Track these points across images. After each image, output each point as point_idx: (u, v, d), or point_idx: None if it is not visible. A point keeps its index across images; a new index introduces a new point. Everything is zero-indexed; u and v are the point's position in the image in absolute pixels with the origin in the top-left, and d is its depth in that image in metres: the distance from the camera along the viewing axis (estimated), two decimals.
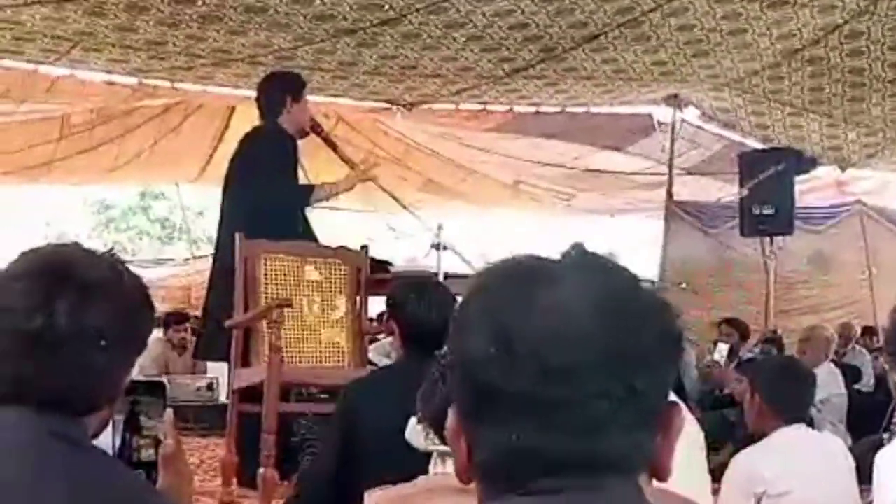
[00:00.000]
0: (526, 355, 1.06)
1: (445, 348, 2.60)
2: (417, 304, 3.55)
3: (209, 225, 20.61)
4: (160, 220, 23.59)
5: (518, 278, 1.12)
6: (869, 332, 10.54)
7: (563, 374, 1.05)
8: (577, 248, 1.15)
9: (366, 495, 2.53)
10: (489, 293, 1.12)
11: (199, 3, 6.90)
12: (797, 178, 9.36)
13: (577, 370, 1.06)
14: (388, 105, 9.92)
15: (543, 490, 1.08)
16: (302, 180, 5.86)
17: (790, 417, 3.93)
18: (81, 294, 1.60)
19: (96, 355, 1.61)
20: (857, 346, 9.84)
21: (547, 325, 1.07)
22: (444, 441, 2.41)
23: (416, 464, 2.66)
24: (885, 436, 5.50)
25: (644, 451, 1.12)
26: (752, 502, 3.79)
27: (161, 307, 10.18)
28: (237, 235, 5.11)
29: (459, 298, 1.23)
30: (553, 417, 1.06)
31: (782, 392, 3.95)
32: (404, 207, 6.05)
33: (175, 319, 9.03)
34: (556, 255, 1.15)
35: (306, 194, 5.61)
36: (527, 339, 1.06)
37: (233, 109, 10.77)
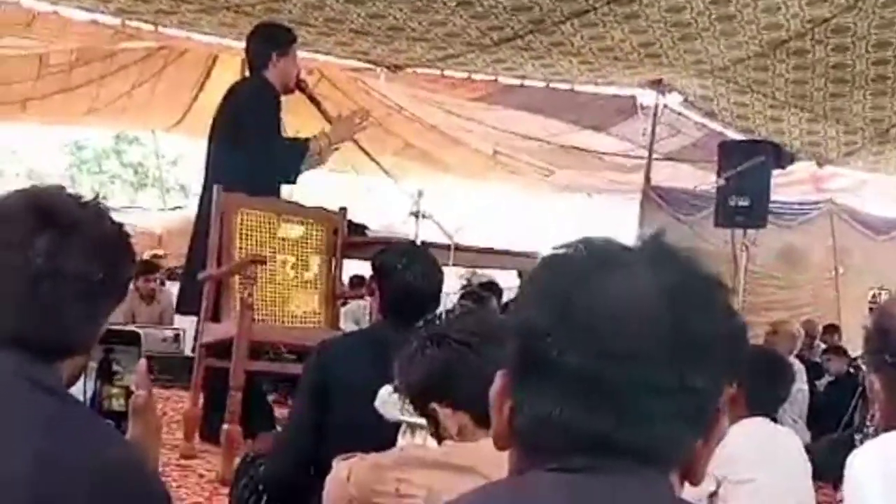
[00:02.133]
0: (585, 333, 1.08)
1: (424, 321, 2.58)
2: (406, 271, 3.47)
3: (182, 174, 20.55)
4: (133, 166, 23.32)
5: (591, 259, 1.14)
6: (832, 329, 10.63)
7: (620, 358, 1.07)
8: (656, 237, 1.16)
9: (335, 461, 2.51)
10: (560, 269, 1.14)
11: None
12: (774, 172, 9.38)
13: (633, 356, 1.07)
14: (371, 66, 9.83)
15: (575, 468, 1.09)
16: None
17: (762, 411, 3.96)
18: (62, 235, 1.59)
19: (73, 298, 1.59)
20: (820, 344, 9.93)
21: (612, 307, 1.09)
22: (420, 412, 2.42)
23: (384, 432, 2.64)
24: (858, 437, 5.54)
25: (683, 450, 1.12)
26: (714, 485, 3.82)
27: None
28: (215, 188, 5.07)
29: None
30: (601, 398, 1.08)
31: (765, 386, 3.98)
32: (385, 172, 6.01)
33: (144, 269, 8.93)
34: (633, 242, 1.16)
35: (302, 152, 5.49)
36: (589, 318, 1.08)
37: (215, 59, 10.65)
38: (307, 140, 5.53)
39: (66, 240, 1.59)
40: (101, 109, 11.75)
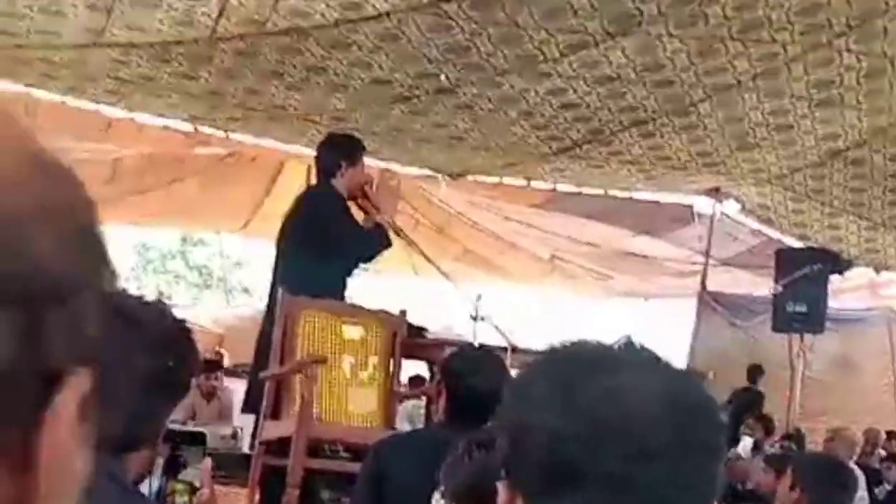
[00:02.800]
0: (614, 437, 1.12)
1: (493, 423, 2.63)
2: (474, 376, 3.54)
3: (246, 276, 20.82)
4: (198, 267, 23.64)
5: (587, 363, 1.18)
6: (891, 437, 10.47)
7: (649, 457, 1.12)
8: (629, 338, 1.23)
9: None
10: (560, 375, 1.17)
11: (262, 58, 7.08)
12: (831, 278, 9.37)
13: (660, 454, 1.12)
14: (433, 173, 10.05)
15: None
16: None
17: None
18: (124, 331, 1.62)
19: (139, 391, 1.63)
20: (881, 452, 9.79)
21: (631, 409, 1.13)
22: None
23: None
24: None
25: None
26: None
27: None
28: (280, 290, 5.22)
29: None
30: (627, 497, 1.12)
31: (829, 494, 3.93)
32: (444, 275, 6.12)
33: (205, 367, 9.07)
34: (608, 342, 1.22)
35: (381, 233, 5.69)
36: (615, 422, 1.12)
37: (282, 165, 10.91)
38: (377, 224, 5.71)
39: (128, 335, 1.62)
40: (169, 212, 12.04)
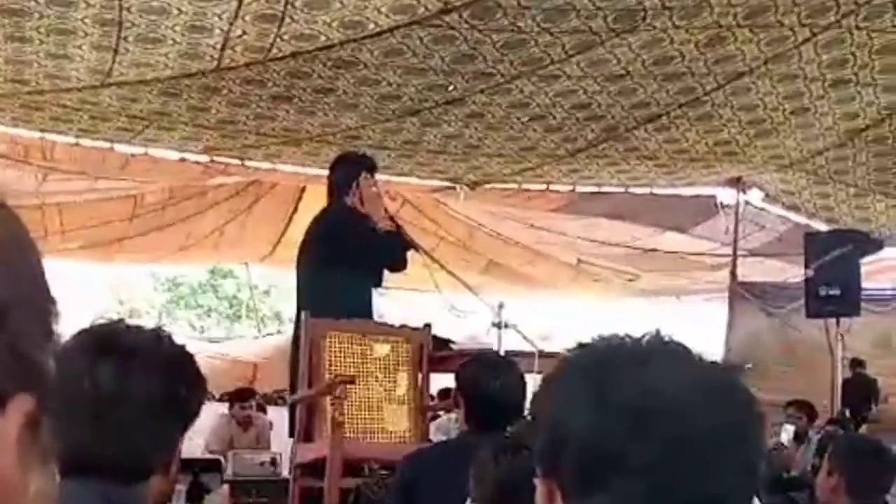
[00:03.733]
0: (645, 427, 1.11)
1: (517, 426, 2.61)
2: (488, 382, 3.56)
3: (276, 303, 20.92)
4: (228, 298, 23.78)
5: (617, 356, 1.17)
6: None
7: (682, 444, 1.11)
8: (657, 331, 1.21)
9: None
10: (591, 370, 1.16)
11: (270, 84, 7.12)
12: (863, 259, 9.28)
13: (694, 440, 1.11)
14: (451, 184, 10.04)
15: None
16: None
17: (863, 501, 3.85)
18: (122, 360, 1.66)
19: (142, 418, 1.65)
20: None
21: (661, 398, 1.12)
22: None
23: None
24: None
25: None
26: None
27: (228, 384, 10.30)
28: (303, 314, 5.22)
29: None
30: (669, 484, 1.11)
31: (867, 475, 3.86)
32: (467, 287, 6.11)
33: (240, 396, 9.12)
34: (633, 336, 1.20)
35: (395, 236, 5.67)
36: (644, 413, 1.11)
37: (303, 191, 10.95)
38: (388, 232, 5.68)
39: (127, 365, 1.66)
40: (194, 245, 12.10)
